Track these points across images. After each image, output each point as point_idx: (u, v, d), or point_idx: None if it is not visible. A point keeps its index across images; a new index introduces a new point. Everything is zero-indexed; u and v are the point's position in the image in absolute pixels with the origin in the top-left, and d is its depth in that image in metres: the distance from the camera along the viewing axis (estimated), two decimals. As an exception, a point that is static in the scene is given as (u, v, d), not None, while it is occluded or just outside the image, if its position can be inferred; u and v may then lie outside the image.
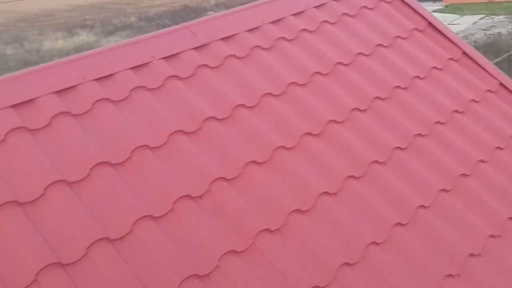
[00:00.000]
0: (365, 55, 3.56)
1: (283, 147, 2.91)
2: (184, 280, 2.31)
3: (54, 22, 26.42)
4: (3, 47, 23.62)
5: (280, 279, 2.44)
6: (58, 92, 2.79)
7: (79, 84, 2.85)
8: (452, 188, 3.05)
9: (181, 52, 3.18)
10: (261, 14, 3.57)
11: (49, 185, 2.44)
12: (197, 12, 24.21)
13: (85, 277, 2.23)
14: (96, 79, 2.90)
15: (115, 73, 2.97)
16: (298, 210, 2.68)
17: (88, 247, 2.31)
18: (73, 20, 26.21)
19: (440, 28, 3.98)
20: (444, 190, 3.02)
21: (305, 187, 2.77)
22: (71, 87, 2.83)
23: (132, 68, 3.02)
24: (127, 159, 2.66)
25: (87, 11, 27.50)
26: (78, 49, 21.19)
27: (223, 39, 3.34)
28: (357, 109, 3.22)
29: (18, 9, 27.55)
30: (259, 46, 3.37)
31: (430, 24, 3.99)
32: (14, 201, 2.35)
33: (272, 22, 3.54)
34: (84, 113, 2.77)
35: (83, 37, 23.61)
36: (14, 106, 2.66)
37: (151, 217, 2.48)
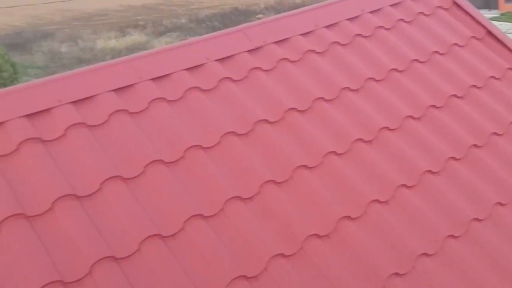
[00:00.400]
0: (421, 62, 3.50)
1: (333, 152, 2.90)
2: (232, 281, 2.33)
3: (108, 21, 27.15)
4: (58, 44, 24.46)
5: (328, 286, 2.43)
6: (116, 90, 2.87)
7: (136, 83, 2.93)
8: (509, 202, 2.95)
9: (235, 54, 3.22)
10: (316, 18, 3.56)
11: (106, 180, 2.51)
12: (246, 15, 24.37)
13: (137, 272, 2.29)
14: (152, 79, 2.97)
15: (171, 73, 3.03)
16: (348, 217, 2.66)
17: (141, 242, 2.36)
18: (125, 20, 26.87)
19: (499, 37, 3.87)
20: (499, 203, 2.92)
21: (355, 194, 2.74)
22: (129, 85, 2.91)
23: (187, 69, 3.07)
24: (180, 158, 2.71)
25: (140, 12, 28.14)
26: (129, 49, 21.72)
27: (276, 42, 3.35)
28: (411, 116, 3.16)
29: (73, 8, 28.46)
30: (313, 50, 3.37)
31: (488, 32, 3.88)
32: (72, 195, 2.43)
33: (326, 27, 3.52)
34: (141, 111, 2.83)
35: (135, 37, 24.16)
36: (75, 102, 2.75)
37: (201, 216, 2.52)
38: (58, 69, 21.15)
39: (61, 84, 2.80)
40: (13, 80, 19.30)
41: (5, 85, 18.60)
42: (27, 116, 2.62)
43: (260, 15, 22.80)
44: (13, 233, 2.25)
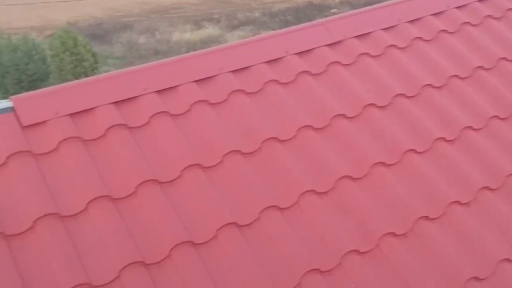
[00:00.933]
0: (509, 61, 3.34)
1: (413, 150, 2.83)
2: (307, 273, 2.34)
3: (183, 14, 27.79)
4: (136, 36, 25.31)
5: (403, 285, 2.38)
6: (197, 81, 2.94)
7: (217, 75, 2.99)
8: None
9: (314, 48, 3.21)
10: (398, 13, 3.48)
11: (186, 167, 2.59)
12: (320, 9, 24.13)
13: (213, 257, 2.35)
14: (232, 71, 3.02)
15: (250, 66, 3.07)
16: (427, 217, 2.59)
17: (218, 229, 2.42)
18: (200, 14, 27.39)
19: None
20: None
21: (435, 193, 2.67)
22: (210, 77, 2.98)
23: (266, 62, 3.10)
24: (257, 149, 2.75)
25: (214, 5, 28.59)
26: (204, 42, 22.11)
27: (357, 36, 3.31)
28: (497, 117, 3.03)
29: (151, 1, 29.35)
30: (394, 45, 3.30)
31: None
32: (154, 180, 2.52)
33: (409, 22, 3.44)
34: (220, 102, 2.89)
35: (209, 30, 24.57)
36: (159, 91, 2.85)
37: (277, 207, 2.54)
38: (135, 60, 21.91)
39: (147, 73, 2.90)
40: (93, 69, 20.19)
41: (86, 74, 19.52)
42: (115, 103, 2.74)
43: (334, 10, 22.51)
44: (100, 214, 2.37)
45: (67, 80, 18.50)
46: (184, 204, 2.49)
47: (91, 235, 2.31)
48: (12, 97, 2.65)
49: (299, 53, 3.16)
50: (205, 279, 2.27)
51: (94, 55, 20.57)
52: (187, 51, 19.07)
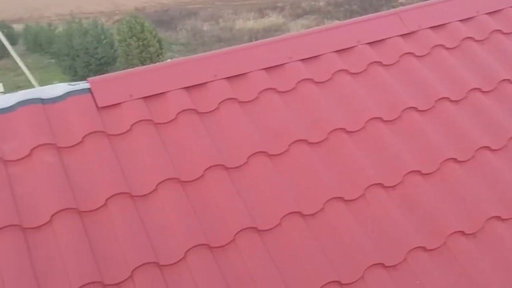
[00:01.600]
0: None
1: (487, 147, 2.72)
2: (370, 267, 2.31)
3: (248, 2, 27.88)
4: (201, 23, 25.66)
5: (471, 285, 2.31)
6: (267, 69, 2.94)
7: (286, 63, 2.98)
8: None
9: (387, 38, 3.14)
10: (477, 4, 3.34)
11: (253, 154, 2.61)
12: (387, -1, 23.55)
13: (277, 245, 2.36)
14: (301, 60, 3.00)
15: (320, 55, 3.04)
16: (498, 217, 2.50)
17: (282, 217, 2.43)
18: (265, 2, 27.38)
19: None
20: None
21: (509, 193, 2.56)
22: (279, 65, 2.97)
23: (337, 51, 3.06)
24: (324, 140, 2.73)
25: (279, -6, 28.46)
26: (266, 30, 22.13)
27: (432, 27, 3.21)
28: None
29: (216, -12, 29.59)
30: (471, 38, 3.17)
31: None
32: (221, 165, 2.56)
33: (488, 13, 3.29)
34: (289, 91, 2.89)
35: (272, 18, 24.56)
36: (229, 78, 2.87)
37: (342, 199, 2.52)
38: (199, 47, 22.24)
39: (217, 60, 2.94)
40: (158, 55, 20.67)
41: (151, 60, 20.03)
42: (186, 88, 2.79)
43: (402, 0, 21.90)
44: (168, 195, 2.43)
45: (133, 64, 19.06)
46: (249, 190, 2.51)
47: (159, 215, 2.38)
48: (89, 79, 2.76)
49: (371, 43, 3.10)
50: (268, 265, 2.29)
51: (159, 41, 21.04)
52: (250, 39, 19.15)
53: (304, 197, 2.52)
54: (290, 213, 2.44)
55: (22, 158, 2.39)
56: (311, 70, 2.98)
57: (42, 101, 2.59)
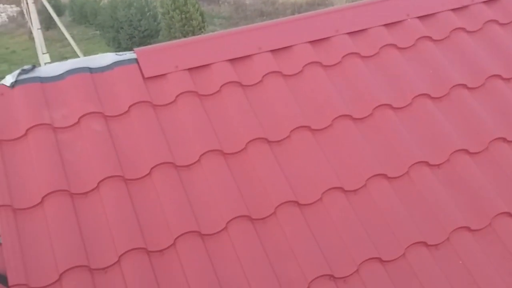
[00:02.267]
0: None
1: (540, 128, 2.63)
2: (412, 245, 2.29)
3: (291, -24, 27.42)
4: (243, -3, 25.41)
5: (516, 268, 2.26)
6: (312, 42, 2.90)
7: (332, 36, 2.93)
8: None
9: (438, 12, 3.04)
10: (535, -23, 3.18)
11: (295, 129, 2.59)
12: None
13: (317, 219, 2.36)
14: (348, 33, 2.95)
15: (367, 28, 2.97)
16: (548, 200, 2.42)
17: (323, 192, 2.42)
18: (308, -25, 26.86)
19: None
20: None
21: (561, 176, 2.47)
22: (325, 38, 2.92)
23: (385, 25, 2.98)
24: (368, 115, 2.69)
25: (323, -33, 27.85)
26: (310, 4, 21.76)
27: (486, 2, 3.08)
28: None
29: (260, -39, 29.17)
30: (527, 13, 3.03)
31: None
32: (263, 138, 2.55)
33: (547, -13, 3.13)
34: (334, 65, 2.84)
35: (317, -8, 24.09)
36: (273, 51, 2.85)
37: (385, 176, 2.49)
38: (241, 21, 22.11)
39: (262, 33, 2.91)
40: (200, 28, 20.68)
41: (193, 33, 20.05)
42: (230, 60, 2.79)
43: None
44: (211, 166, 2.45)
45: (175, 37, 19.14)
46: (291, 164, 2.51)
47: (202, 186, 2.41)
48: (136, 49, 2.79)
49: (421, 17, 3.01)
50: (308, 239, 2.30)
51: (202, 14, 21.01)
52: (293, 13, 18.89)
53: (346, 173, 2.50)
54: (331, 188, 2.43)
55: (71, 126, 2.46)
56: (358, 44, 2.92)
57: (90, 70, 2.64)
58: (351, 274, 2.22)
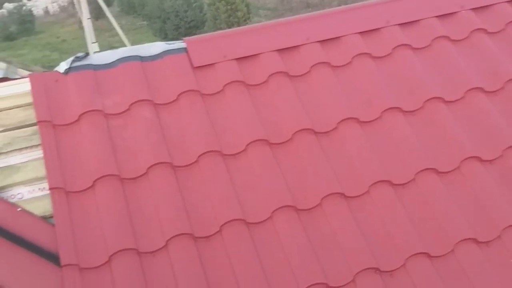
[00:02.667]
0: None
1: None
2: (462, 241, 2.24)
3: (338, -33, 27.05)
4: (289, -12, 25.28)
5: None
6: (362, 33, 2.86)
7: (382, 27, 2.88)
8: None
9: (494, 4, 2.94)
10: None
11: (342, 120, 2.57)
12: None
13: (364, 212, 2.34)
14: (400, 24, 2.89)
15: (420, 19, 2.91)
16: None
17: (371, 185, 2.39)
18: (356, -34, 26.47)
19: None
20: None
21: None
22: (375, 29, 2.88)
23: (438, 16, 2.91)
24: (419, 108, 2.63)
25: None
26: (358, -5, 21.43)
27: (546, -7, 2.96)
28: None
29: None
30: None
31: None
32: (309, 129, 2.54)
33: None
34: (384, 56, 2.80)
35: (363, -17, 23.72)
36: (321, 42, 2.82)
37: (435, 170, 2.44)
38: (286, 12, 22.02)
39: (310, 23, 2.89)
40: (245, 19, 20.72)
41: (238, 24, 20.11)
42: (278, 51, 2.78)
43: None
44: (258, 156, 2.46)
45: (220, 28, 19.26)
46: (338, 156, 2.49)
47: (248, 175, 2.42)
48: (185, 38, 2.82)
49: (476, 9, 2.92)
50: (354, 231, 2.28)
51: (247, 5, 21.05)
52: (339, 5, 18.67)
53: (395, 166, 2.46)
54: (379, 181, 2.40)
55: (122, 112, 2.51)
56: (409, 36, 2.86)
57: (141, 58, 2.68)
58: (398, 268, 2.19)
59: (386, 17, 2.90)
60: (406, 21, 2.89)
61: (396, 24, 2.88)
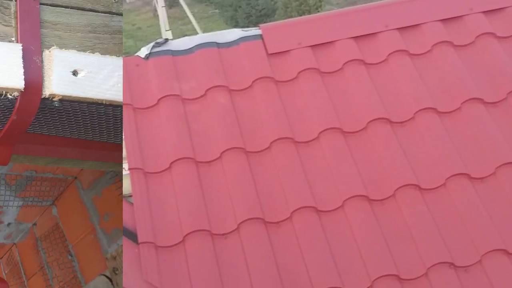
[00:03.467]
0: None
1: None
2: None
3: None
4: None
5: None
6: (443, 20, 2.76)
7: (466, 15, 2.77)
8: None
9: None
10: None
11: (420, 110, 2.50)
12: None
13: (441, 205, 2.27)
14: (484, 12, 2.77)
15: (504, 7, 2.77)
16: None
17: (448, 178, 2.32)
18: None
19: None
20: None
21: None
22: (457, 17, 2.77)
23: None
24: (502, 100, 2.54)
25: None
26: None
27: None
28: None
29: None
30: None
31: None
32: (385, 119, 2.49)
33: None
34: (466, 45, 2.70)
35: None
36: (400, 29, 2.74)
37: (468, 176, 2.34)
38: (359, 1, 21.56)
39: (390, 10, 2.81)
40: (317, 8, 20.46)
41: (309, 12, 19.91)
42: (355, 38, 2.74)
43: None
44: (330, 144, 2.44)
45: (291, 17, 19.16)
46: (414, 147, 2.44)
47: (320, 163, 2.42)
48: (261, 25, 2.83)
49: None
50: (429, 224, 2.22)
51: (320, -7, 20.73)
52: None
53: (474, 159, 2.38)
54: (456, 174, 2.33)
55: (198, 98, 2.57)
56: (493, 25, 2.73)
57: (218, 45, 2.73)
58: (473, 264, 2.12)
59: (469, 4, 2.78)
60: (490, 9, 2.76)
61: (479, 12, 2.76)
